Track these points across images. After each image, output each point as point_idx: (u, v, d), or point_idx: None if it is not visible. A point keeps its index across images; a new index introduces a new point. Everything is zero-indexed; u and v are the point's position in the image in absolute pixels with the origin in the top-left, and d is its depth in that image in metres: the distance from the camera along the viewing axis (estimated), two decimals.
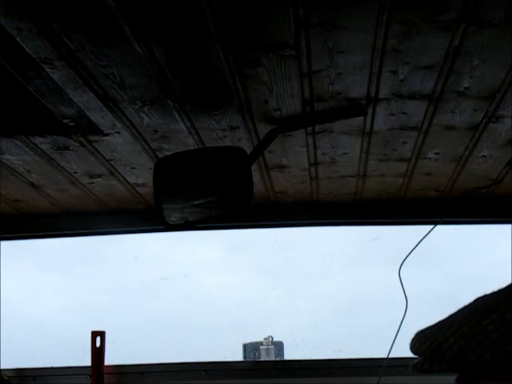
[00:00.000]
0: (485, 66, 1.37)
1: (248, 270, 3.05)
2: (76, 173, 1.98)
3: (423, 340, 0.67)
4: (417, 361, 0.68)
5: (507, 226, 2.32)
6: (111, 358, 2.43)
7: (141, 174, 2.01)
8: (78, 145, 1.76)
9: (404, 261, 2.17)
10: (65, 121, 1.61)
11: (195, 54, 1.32)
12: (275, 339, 2.60)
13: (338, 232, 2.45)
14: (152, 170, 1.63)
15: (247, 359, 2.58)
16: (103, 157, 1.86)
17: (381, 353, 2.22)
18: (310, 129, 1.70)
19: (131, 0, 1.13)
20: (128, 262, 3.00)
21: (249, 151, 1.66)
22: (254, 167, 1.85)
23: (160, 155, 1.82)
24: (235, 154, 1.64)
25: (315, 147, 1.83)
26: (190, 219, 1.73)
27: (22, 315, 2.88)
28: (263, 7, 1.17)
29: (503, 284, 0.68)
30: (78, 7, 1.15)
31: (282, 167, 1.99)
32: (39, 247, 2.59)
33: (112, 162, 1.90)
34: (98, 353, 2.40)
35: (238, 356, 2.60)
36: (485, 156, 1.90)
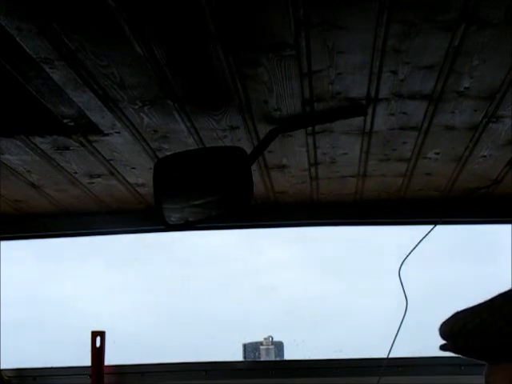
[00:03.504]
0: (485, 66, 1.37)
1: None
2: (76, 173, 1.98)
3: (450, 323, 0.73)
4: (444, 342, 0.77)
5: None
6: (111, 358, 2.43)
7: (141, 174, 2.01)
8: (78, 145, 1.76)
9: (404, 261, 2.17)
10: (65, 121, 1.61)
11: (195, 54, 1.32)
12: (275, 339, 2.60)
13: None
14: (152, 170, 1.64)
15: (247, 359, 2.58)
16: (103, 157, 1.86)
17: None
18: (310, 129, 1.70)
19: (131, 0, 1.13)
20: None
21: (249, 151, 1.66)
22: (254, 167, 1.85)
23: (160, 155, 1.82)
24: (235, 153, 1.64)
25: (315, 147, 1.83)
26: (190, 219, 1.73)
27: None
28: (263, 7, 1.17)
29: None
30: (78, 7, 1.15)
31: (282, 167, 1.99)
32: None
33: (112, 162, 1.90)
34: (97, 353, 2.41)
35: (238, 356, 2.60)
36: (485, 156, 1.90)
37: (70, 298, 2.99)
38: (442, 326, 0.76)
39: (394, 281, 2.19)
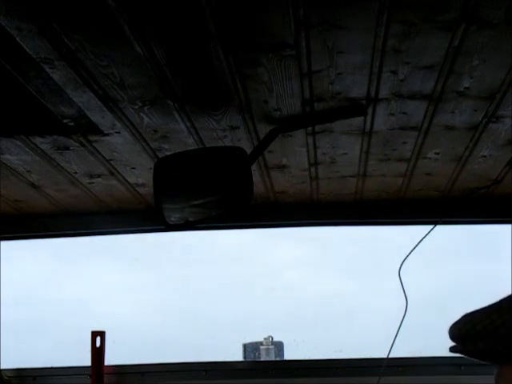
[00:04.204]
0: (485, 66, 1.37)
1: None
2: (76, 173, 1.98)
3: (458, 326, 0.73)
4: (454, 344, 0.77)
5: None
6: (111, 358, 2.43)
7: (141, 174, 2.01)
8: (78, 145, 1.76)
9: (404, 261, 2.17)
10: (65, 121, 1.61)
11: (195, 54, 1.32)
12: (275, 339, 2.60)
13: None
14: (152, 170, 1.64)
15: (247, 359, 2.58)
16: (103, 157, 1.86)
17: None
18: (310, 129, 1.70)
19: (131, 0, 1.13)
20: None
21: (249, 151, 1.66)
22: (254, 167, 1.85)
23: (160, 155, 1.82)
24: (235, 153, 1.64)
25: (315, 147, 1.83)
26: (190, 219, 1.73)
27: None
28: (263, 7, 1.17)
29: None
30: (78, 7, 1.15)
31: (282, 167, 1.99)
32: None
33: (112, 162, 1.90)
34: (97, 353, 2.40)
35: (238, 356, 2.60)
36: (485, 156, 1.90)
37: (71, 298, 2.99)
38: (451, 327, 0.76)
39: (395, 281, 2.19)
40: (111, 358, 2.43)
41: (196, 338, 2.82)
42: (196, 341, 2.78)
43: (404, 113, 1.60)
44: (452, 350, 0.76)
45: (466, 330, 0.72)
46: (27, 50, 1.27)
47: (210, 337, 2.76)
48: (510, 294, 0.73)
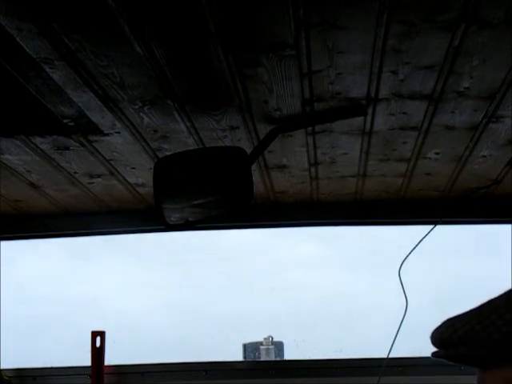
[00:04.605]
0: (485, 66, 1.37)
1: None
2: (76, 173, 1.98)
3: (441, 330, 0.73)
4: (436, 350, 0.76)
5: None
6: (111, 358, 2.43)
7: (141, 174, 2.01)
8: (78, 145, 1.76)
9: (404, 261, 2.17)
10: (65, 121, 1.61)
11: (195, 54, 1.32)
12: (275, 339, 2.60)
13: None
14: (152, 170, 1.64)
15: (247, 359, 2.58)
16: (103, 157, 1.86)
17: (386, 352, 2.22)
18: (309, 129, 1.70)
19: (131, 0, 1.13)
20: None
21: (249, 151, 1.66)
22: (254, 167, 1.85)
23: (160, 155, 1.82)
24: (235, 153, 1.64)
25: (315, 147, 1.83)
26: (190, 219, 1.73)
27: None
28: (263, 7, 1.17)
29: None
30: (78, 7, 1.15)
31: (281, 167, 1.99)
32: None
33: (112, 162, 1.90)
34: (97, 353, 2.40)
35: (238, 356, 2.60)
36: (485, 156, 1.90)
37: (70, 298, 2.99)
38: (433, 333, 0.76)
39: (395, 281, 2.19)
40: (111, 358, 2.43)
41: (196, 337, 2.82)
42: (196, 341, 2.79)
43: (404, 113, 1.60)
44: (434, 355, 0.76)
45: (447, 336, 0.72)
46: (27, 49, 1.27)
47: (210, 337, 2.76)
48: (489, 299, 0.73)
